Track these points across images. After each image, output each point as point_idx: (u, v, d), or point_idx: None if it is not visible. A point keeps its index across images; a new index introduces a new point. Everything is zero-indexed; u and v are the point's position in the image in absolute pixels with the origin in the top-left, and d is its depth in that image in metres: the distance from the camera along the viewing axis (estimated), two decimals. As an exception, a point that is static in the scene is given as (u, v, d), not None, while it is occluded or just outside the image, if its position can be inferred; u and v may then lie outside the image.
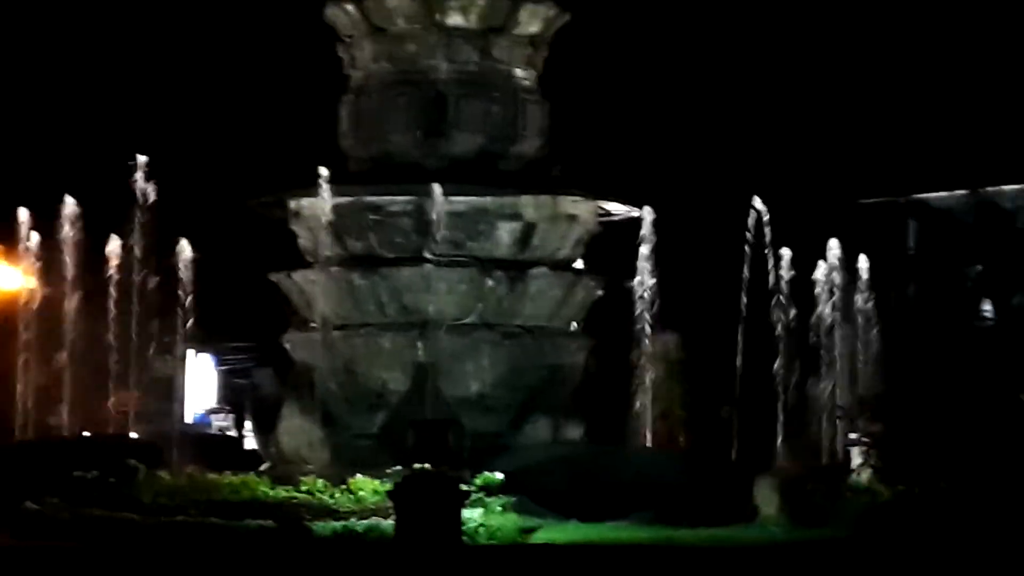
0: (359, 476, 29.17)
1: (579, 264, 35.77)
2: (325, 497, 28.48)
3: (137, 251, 34.33)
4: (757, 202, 33.82)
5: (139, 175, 33.72)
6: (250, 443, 43.31)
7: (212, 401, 59.78)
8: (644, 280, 34.66)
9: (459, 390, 33.37)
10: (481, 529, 26.37)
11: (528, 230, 34.45)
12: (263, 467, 33.21)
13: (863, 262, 36.03)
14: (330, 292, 33.97)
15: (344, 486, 28.89)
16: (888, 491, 27.72)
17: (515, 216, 34.35)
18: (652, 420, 35.68)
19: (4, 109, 61.80)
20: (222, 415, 57.17)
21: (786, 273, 34.40)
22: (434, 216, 33.18)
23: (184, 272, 34.43)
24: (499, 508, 27.71)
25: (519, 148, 35.19)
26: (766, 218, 33.92)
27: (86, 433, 35.91)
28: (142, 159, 33.69)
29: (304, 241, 35.07)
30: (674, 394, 39.06)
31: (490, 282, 33.88)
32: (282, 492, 28.90)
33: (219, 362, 61.55)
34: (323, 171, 33.27)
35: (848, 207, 50.66)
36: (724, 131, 57.62)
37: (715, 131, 57.73)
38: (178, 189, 35.16)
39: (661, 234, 34.59)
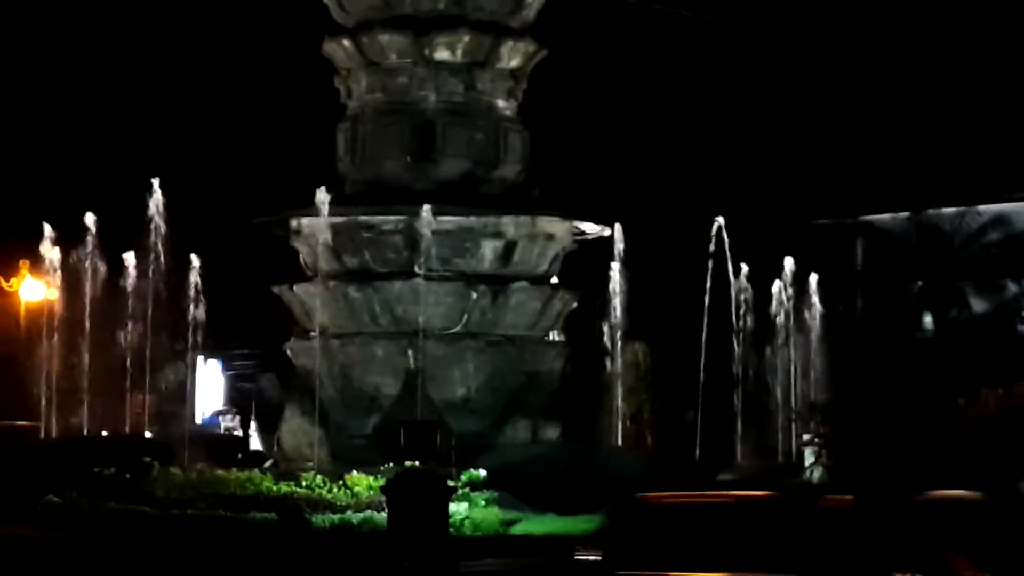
0: (355, 473, 29.19)
1: (555, 279, 35.74)
2: (324, 492, 28.50)
3: (151, 265, 34.26)
4: (719, 222, 33.88)
5: (154, 196, 33.73)
6: (255, 442, 43.27)
7: (220, 403, 59.65)
8: (615, 293, 34.76)
9: (446, 394, 33.34)
10: (466, 522, 26.44)
11: (509, 247, 34.46)
12: (267, 464, 33.29)
13: (814, 278, 36.17)
14: (328, 304, 33.94)
15: (341, 482, 28.90)
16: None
17: (497, 235, 34.35)
18: (623, 422, 35.75)
19: (31, 133, 61.77)
20: (229, 416, 56.98)
21: (745, 288, 34.50)
22: (423, 234, 33.18)
23: (194, 285, 34.45)
24: (483, 502, 27.75)
25: (501, 172, 35.20)
26: (727, 237, 33.99)
27: (104, 433, 35.88)
28: (156, 182, 33.70)
29: (304, 257, 35.04)
30: (643, 399, 39.06)
31: (475, 295, 33.87)
32: (284, 487, 28.87)
33: (226, 368, 61.44)
34: (322, 193, 33.27)
35: (801, 228, 50.66)
36: (689, 157, 57.69)
37: (681, 157, 57.80)
38: (190, 209, 35.20)
39: (630, 251, 34.66)
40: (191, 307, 34.56)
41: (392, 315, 33.77)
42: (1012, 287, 54.44)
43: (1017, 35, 65.69)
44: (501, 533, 26.46)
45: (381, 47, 35.08)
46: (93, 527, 26.09)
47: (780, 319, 35.15)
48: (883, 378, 36.63)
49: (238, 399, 59.23)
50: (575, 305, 35.76)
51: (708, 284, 34.00)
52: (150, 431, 36.07)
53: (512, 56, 35.41)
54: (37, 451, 31.94)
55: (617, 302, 34.68)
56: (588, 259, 36.29)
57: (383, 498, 26.19)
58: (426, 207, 33.05)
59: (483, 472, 29.20)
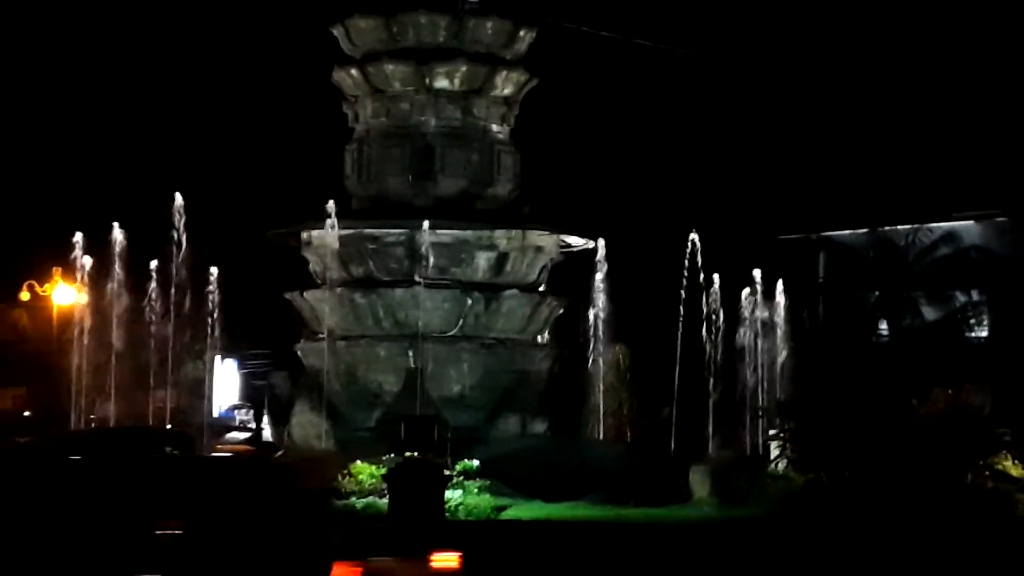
0: (359, 462, 29.13)
1: (543, 287, 35.77)
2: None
3: (173, 272, 34.26)
4: (693, 236, 33.92)
5: (176, 209, 33.74)
6: (267, 434, 43.16)
7: (235, 399, 59.49)
8: (598, 300, 34.80)
9: (443, 391, 33.42)
10: (461, 507, 26.45)
11: (502, 258, 34.54)
12: (278, 455, 33.19)
13: (780, 288, 36.20)
14: (335, 308, 34.00)
15: (346, 471, 28.93)
16: (800, 478, 27.82)
17: (491, 247, 34.43)
18: (604, 417, 35.76)
19: (63, 149, 61.75)
20: (244, 410, 56.80)
21: (717, 296, 34.53)
22: (423, 246, 33.31)
23: (212, 291, 34.46)
24: (476, 490, 27.77)
25: (494, 190, 35.29)
26: (700, 250, 34.02)
27: (130, 424, 35.82)
28: (178, 196, 33.71)
29: (314, 266, 35.13)
30: (623, 396, 38.96)
31: (470, 301, 33.95)
32: (294, 475, 28.99)
33: (241, 366, 61.33)
34: (330, 208, 33.34)
35: (768, 242, 50.72)
36: (667, 177, 57.80)
37: (659, 177, 57.92)
38: (209, 220, 35.19)
39: (612, 262, 34.69)
40: (209, 311, 34.56)
41: (394, 319, 33.83)
42: (960, 297, 54.40)
43: (963, 69, 65.87)
44: (492, 518, 26.40)
45: (386, 76, 35.18)
46: (119, 511, 26.04)
47: (748, 325, 35.16)
48: (842, 379, 36.68)
49: (252, 395, 59.10)
50: (561, 311, 35.90)
51: (683, 293, 34.03)
52: (171, 423, 35.97)
53: (505, 85, 35.51)
54: (69, 440, 31.80)
55: (600, 308, 34.71)
56: (574, 269, 36.32)
57: (385, 485, 26.24)
58: (426, 222, 33.19)
59: (476, 462, 29.23)
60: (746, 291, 35.04)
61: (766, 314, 35.57)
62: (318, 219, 33.58)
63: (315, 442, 32.83)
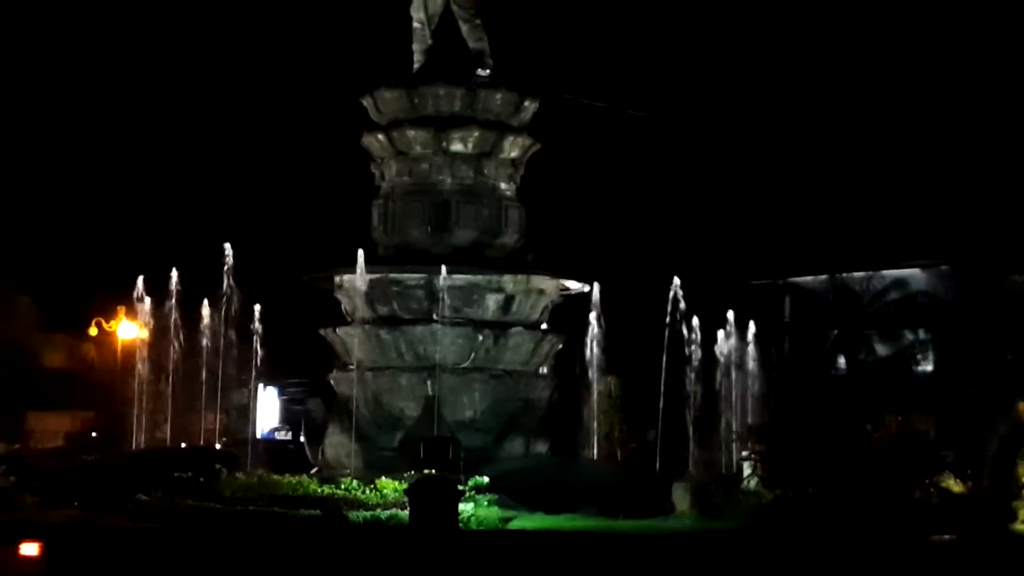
0: (383, 478, 29.20)
1: (545, 325, 35.73)
2: (358, 493, 28.50)
3: (223, 311, 34.31)
4: (676, 282, 33.93)
5: (226, 258, 33.80)
6: (304, 454, 43.14)
7: (276, 421, 59.46)
8: (592, 337, 34.75)
9: (457, 416, 33.28)
10: (472, 518, 26.36)
11: (509, 300, 34.50)
12: (313, 471, 33.15)
13: (751, 327, 36.18)
14: (363, 343, 33.96)
15: (372, 485, 28.90)
16: (770, 494, 27.72)
17: (499, 290, 34.39)
18: (598, 440, 35.66)
19: (127, 205, 61.98)
20: (283, 432, 56.80)
21: (696, 335, 34.51)
22: (440, 289, 33.30)
23: (256, 327, 34.47)
24: (485, 503, 27.74)
25: (502, 240, 35.27)
26: (682, 294, 34.02)
27: (183, 444, 35.84)
28: (228, 246, 33.78)
29: (345, 306, 35.10)
30: (614, 421, 38.90)
31: (480, 337, 33.90)
32: (327, 489, 28.89)
33: (281, 393, 61.22)
34: (360, 255, 33.39)
35: (741, 287, 50.71)
36: (654, 230, 57.99)
37: (647, 230, 58.12)
38: (255, 266, 35.26)
39: (605, 304, 34.68)
40: (254, 345, 34.58)
41: (415, 353, 33.80)
42: (908, 336, 54.52)
43: (909, 135, 66.06)
44: (500, 528, 26.33)
45: (408, 140, 35.23)
46: (173, 520, 26.05)
47: (723, 359, 35.12)
48: (806, 407, 36.66)
49: (290, 418, 59.07)
50: (560, 346, 35.81)
51: (667, 331, 33.98)
52: (220, 443, 36.00)
53: (512, 148, 35.54)
54: (128, 459, 31.82)
55: (594, 344, 34.66)
56: (571, 310, 36.27)
57: (406, 499, 26.17)
58: (443, 267, 33.19)
59: (486, 479, 29.22)
60: (721, 330, 35.02)
61: (739, 350, 35.53)
62: (349, 265, 33.58)
63: (345, 460, 32.75)
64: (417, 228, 34.95)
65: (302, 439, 46.90)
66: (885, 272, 55.74)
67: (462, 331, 33.74)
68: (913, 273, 57.01)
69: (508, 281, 34.36)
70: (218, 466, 29.25)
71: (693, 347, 34.48)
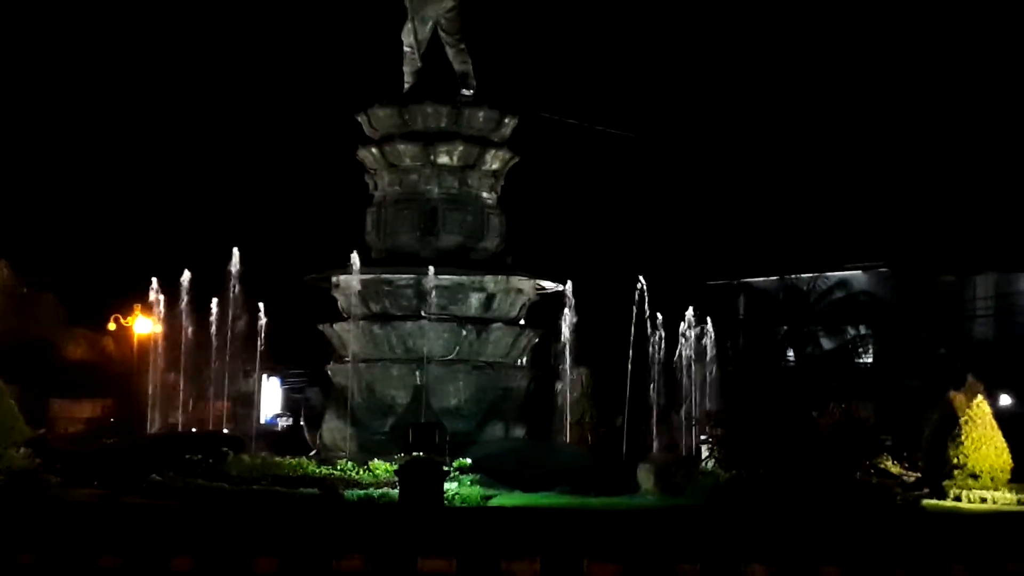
0: (376, 460, 29.11)
1: (523, 321, 35.74)
2: (353, 474, 28.41)
3: (230, 308, 34.20)
4: (641, 282, 33.97)
5: (233, 260, 33.69)
6: (303, 438, 43.08)
7: (278, 409, 59.38)
8: (565, 332, 34.75)
9: (443, 403, 33.26)
10: (456, 496, 26.32)
11: (490, 298, 34.49)
12: (311, 454, 33.05)
13: (709, 323, 36.23)
14: (358, 337, 33.92)
15: (366, 467, 28.83)
16: (726, 474, 27.74)
17: (481, 289, 34.37)
18: (570, 425, 35.68)
19: (142, 210, 61.84)
20: (284, 418, 56.74)
21: (659, 330, 34.55)
22: (428, 288, 33.28)
23: (260, 323, 34.38)
24: (468, 482, 27.65)
25: (484, 244, 35.26)
26: (646, 292, 34.06)
27: (194, 429, 35.71)
28: (236, 250, 33.67)
29: (341, 303, 35.03)
30: (585, 408, 38.96)
31: (464, 332, 33.86)
32: (324, 470, 28.80)
33: (283, 382, 61.18)
34: (354, 258, 33.33)
35: (700, 287, 50.85)
36: (620, 233, 58.14)
37: (614, 233, 58.26)
38: (260, 267, 35.15)
39: (577, 301, 34.68)
40: (258, 339, 34.47)
41: (404, 346, 33.75)
42: (851, 331, 54.75)
43: (855, 139, 66.34)
44: (481, 505, 26.32)
45: (399, 153, 35.19)
46: (185, 498, 25.96)
47: (684, 352, 35.18)
48: (758, 396, 36.75)
49: (291, 406, 59.00)
50: (537, 340, 35.81)
51: (633, 326, 34.02)
52: (227, 428, 35.86)
53: (494, 161, 35.52)
54: (143, 443, 31.69)
55: (567, 338, 34.67)
56: (547, 307, 36.29)
57: (396, 479, 26.12)
58: (430, 269, 33.17)
59: (469, 460, 29.13)
60: (682, 325, 35.07)
61: (698, 344, 35.59)
62: (345, 267, 33.52)
63: (341, 444, 32.71)
64: (407, 233, 34.89)
65: (302, 424, 46.96)
66: (829, 274, 56.03)
67: (448, 326, 33.70)
68: (855, 275, 57.36)
69: (489, 281, 34.34)
70: (225, 449, 29.12)
71: (657, 341, 34.52)
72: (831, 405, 29.82)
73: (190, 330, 35.28)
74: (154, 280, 35.48)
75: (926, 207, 61.63)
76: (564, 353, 34.90)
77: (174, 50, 72.62)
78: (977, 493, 28.86)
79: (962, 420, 29.97)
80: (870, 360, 54.79)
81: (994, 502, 28.42)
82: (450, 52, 35.91)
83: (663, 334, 34.59)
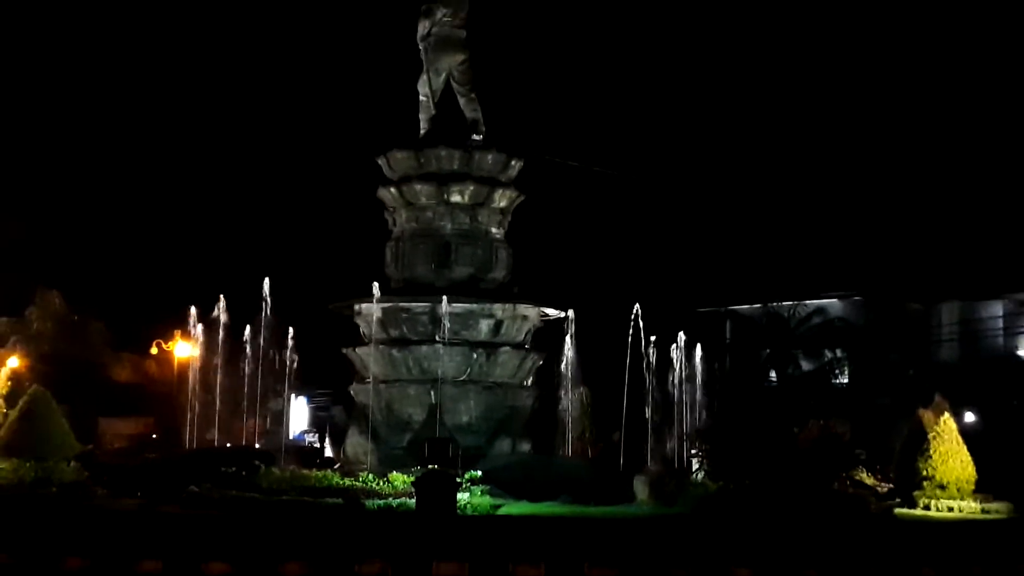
0: (394, 472, 29.01)
1: (528, 345, 35.72)
2: (374, 485, 28.27)
3: (262, 334, 34.18)
4: (637, 309, 33.96)
5: (265, 289, 33.71)
6: (328, 452, 42.99)
7: (305, 425, 59.26)
8: (567, 355, 34.71)
9: (455, 420, 33.23)
10: (468, 505, 26.20)
11: (498, 324, 34.50)
12: (336, 466, 32.98)
13: (699, 347, 36.18)
14: (378, 360, 33.92)
15: (385, 478, 28.71)
16: (714, 485, 27.66)
17: (491, 316, 34.39)
18: (571, 440, 35.61)
19: (182, 248, 62.00)
20: (311, 434, 56.60)
21: (653, 352, 34.49)
22: (442, 315, 33.28)
23: (289, 347, 34.35)
24: (479, 493, 27.52)
25: (493, 275, 35.30)
26: (642, 318, 34.02)
27: (228, 445, 35.66)
28: (267, 280, 33.70)
29: (363, 329, 35.05)
30: (585, 425, 38.88)
31: (475, 355, 33.87)
32: (347, 481, 28.64)
33: (310, 401, 61.13)
34: (375, 288, 33.37)
35: (690, 314, 50.80)
36: (618, 264, 58.17)
37: (613, 264, 58.28)
38: (289, 296, 35.17)
39: (579, 327, 34.64)
40: (287, 361, 34.44)
41: (420, 368, 33.74)
42: (828, 354, 54.68)
43: (831, 178, 66.46)
44: (491, 513, 26.24)
45: (415, 193, 35.29)
46: (220, 507, 25.91)
47: (676, 373, 35.12)
48: (744, 413, 36.66)
49: (317, 423, 58.89)
50: (541, 362, 35.78)
51: (629, 350, 33.99)
52: (258, 444, 35.80)
53: (501, 199, 35.61)
54: (182, 457, 31.61)
55: (568, 361, 34.62)
56: (550, 332, 36.28)
57: (413, 489, 26.05)
58: (444, 298, 33.20)
59: (479, 473, 29.04)
60: (674, 349, 35.02)
61: (688, 366, 35.53)
62: (366, 296, 33.57)
63: (363, 457, 32.63)
64: (423, 265, 34.96)
65: (327, 440, 46.96)
66: (808, 302, 56.02)
67: (460, 350, 33.69)
68: (832, 302, 57.31)
69: (498, 309, 34.35)
70: (257, 463, 29.05)
71: (651, 363, 34.47)
72: (810, 422, 29.77)
73: (225, 354, 35.23)
74: (193, 308, 35.53)
75: (896, 241, 61.73)
76: (566, 374, 34.86)
77: (218, 105, 73.16)
78: (944, 503, 28.73)
79: (930, 436, 29.85)
80: (846, 380, 54.66)
81: (960, 511, 28.29)
82: (462, 101, 36.07)
83: (656, 357, 34.53)
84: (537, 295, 35.70)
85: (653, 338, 34.37)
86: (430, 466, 27.77)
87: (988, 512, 28.18)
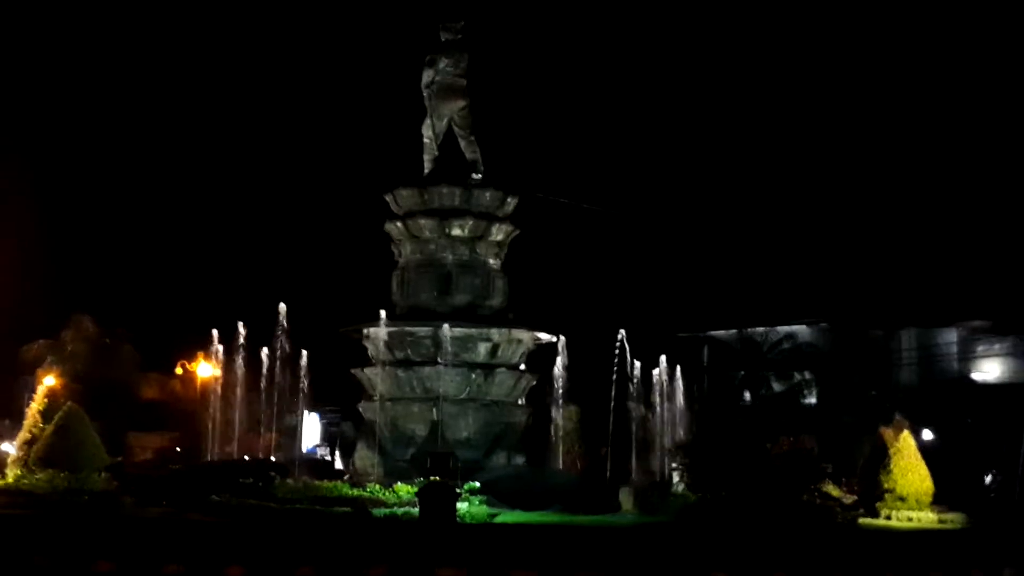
0: (399, 483, 28.94)
1: (523, 366, 35.66)
2: (380, 495, 28.19)
3: (278, 355, 34.10)
4: (622, 334, 33.96)
5: (281, 315, 33.66)
6: (338, 464, 42.80)
7: (317, 440, 59.06)
8: (558, 376, 34.65)
9: (455, 435, 33.15)
10: (467, 514, 26.10)
11: (495, 348, 34.46)
12: (345, 477, 32.86)
13: (679, 369, 36.15)
14: (384, 380, 33.85)
15: (391, 489, 28.63)
16: (693, 496, 27.57)
17: (488, 340, 34.35)
18: (562, 454, 35.55)
19: (206, 277, 61.99)
20: (323, 448, 56.38)
21: (637, 374, 34.47)
22: (444, 339, 33.25)
23: (303, 368, 34.26)
24: (477, 502, 27.48)
25: (491, 302, 35.29)
26: (627, 343, 34.00)
27: (246, 457, 35.48)
28: (283, 306, 33.65)
29: (370, 351, 35.00)
30: (574, 440, 38.77)
31: (473, 376, 33.83)
32: (355, 492, 28.56)
33: (321, 418, 60.93)
34: (382, 313, 33.36)
35: (671, 339, 50.82)
36: (604, 293, 58.21)
37: (599, 293, 58.31)
38: (303, 321, 35.11)
39: (569, 351, 34.56)
40: (300, 381, 34.34)
41: (424, 387, 33.69)
42: (797, 376, 54.71)
43: (800, 213, 66.66)
44: (488, 521, 26.14)
45: (419, 227, 35.34)
46: (238, 515, 25.78)
47: (658, 393, 35.09)
48: (720, 430, 36.57)
49: (328, 437, 58.68)
50: (534, 382, 35.74)
51: (614, 371, 33.96)
52: (274, 457, 35.62)
53: (498, 233, 35.66)
54: (204, 469, 31.46)
55: (560, 381, 34.56)
56: (543, 355, 36.23)
57: (416, 499, 25.95)
58: (446, 323, 33.17)
59: (477, 484, 28.94)
60: (656, 371, 35.00)
61: (669, 386, 35.50)
62: (374, 321, 33.55)
63: (370, 469, 32.55)
64: (426, 293, 34.97)
65: (337, 453, 46.74)
66: (779, 328, 56.12)
67: (460, 371, 33.64)
68: (800, 329, 57.37)
69: (495, 333, 34.33)
70: (273, 474, 28.92)
71: (635, 384, 34.44)
72: (781, 438, 29.68)
73: (244, 374, 35.15)
74: (215, 332, 35.45)
75: (859, 273, 61.93)
76: (557, 393, 34.81)
77: (247, 151, 73.59)
78: (904, 513, 28.68)
79: (891, 451, 29.83)
80: (813, 400, 54.64)
81: (919, 521, 28.24)
82: (462, 143, 36.20)
83: (640, 378, 34.50)
84: (531, 321, 35.68)
85: (637, 362, 34.35)
86: (432, 478, 27.69)
87: (944, 522, 28.12)
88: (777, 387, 54.03)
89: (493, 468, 32.13)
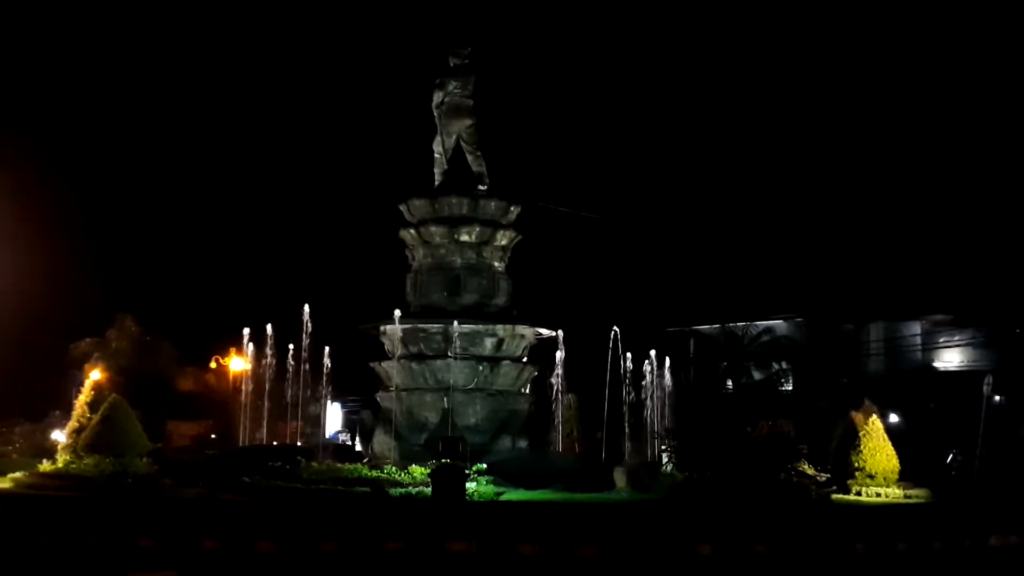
0: (414, 465, 28.97)
1: (526, 359, 35.65)
2: (396, 476, 28.19)
3: (303, 351, 34.12)
4: (615, 330, 33.94)
5: (306, 313, 33.67)
6: (358, 448, 42.83)
7: (339, 427, 59.06)
8: (558, 367, 34.64)
9: (464, 422, 33.14)
10: (475, 493, 26.16)
11: (500, 342, 34.44)
12: (365, 460, 32.87)
13: (667, 361, 36.14)
14: (400, 372, 33.82)
15: (406, 471, 28.66)
16: (681, 476, 27.60)
17: (494, 335, 34.32)
18: (562, 439, 35.52)
19: (240, 277, 62.04)
20: (344, 434, 56.38)
21: (629, 366, 34.46)
22: (453, 335, 33.26)
23: (325, 362, 34.28)
24: (484, 482, 27.47)
25: (496, 301, 35.28)
26: (620, 337, 33.99)
27: (274, 443, 35.54)
28: (307, 307, 33.66)
29: (387, 346, 34.97)
30: (573, 425, 38.74)
31: (481, 368, 33.80)
32: (374, 473, 28.50)
33: (343, 407, 60.96)
34: (397, 312, 33.37)
35: (659, 333, 50.76)
36: (599, 291, 58.18)
37: (594, 291, 58.26)
38: (326, 318, 35.08)
39: (567, 344, 34.55)
40: (324, 373, 34.37)
41: (435, 378, 33.68)
42: (775, 366, 54.60)
43: (779, 212, 66.60)
44: (494, 499, 26.15)
45: (431, 233, 35.33)
46: (268, 495, 25.85)
47: (648, 382, 35.07)
48: (705, 415, 36.57)
49: (349, 425, 58.67)
50: (536, 373, 35.73)
51: (609, 362, 33.95)
52: (300, 442, 35.69)
53: (503, 239, 35.63)
54: (237, 453, 31.51)
55: (559, 372, 34.55)
56: (544, 348, 36.19)
57: (429, 479, 26.01)
58: (455, 320, 33.17)
59: (484, 465, 29.02)
60: (646, 362, 34.99)
61: (659, 376, 35.49)
62: (390, 318, 33.55)
63: (387, 453, 32.57)
64: (437, 293, 34.97)
65: (357, 439, 46.71)
66: (759, 322, 56.00)
67: (468, 363, 33.64)
68: (778, 323, 57.31)
69: (500, 329, 34.32)
70: (299, 458, 28.99)
71: (627, 374, 34.44)
72: (760, 422, 29.67)
73: (272, 367, 35.19)
74: (246, 329, 35.52)
75: (832, 272, 61.87)
76: (557, 383, 34.81)
77: (272, 166, 73.65)
78: (873, 489, 28.67)
79: (861, 434, 29.81)
80: (790, 388, 54.57)
81: (886, 497, 28.23)
82: (469, 158, 36.20)
83: (632, 369, 34.50)
84: (532, 317, 35.68)
85: (629, 354, 34.35)
86: (443, 460, 27.71)
87: (910, 497, 28.12)
88: (757, 376, 53.97)
89: (499, 451, 32.14)
